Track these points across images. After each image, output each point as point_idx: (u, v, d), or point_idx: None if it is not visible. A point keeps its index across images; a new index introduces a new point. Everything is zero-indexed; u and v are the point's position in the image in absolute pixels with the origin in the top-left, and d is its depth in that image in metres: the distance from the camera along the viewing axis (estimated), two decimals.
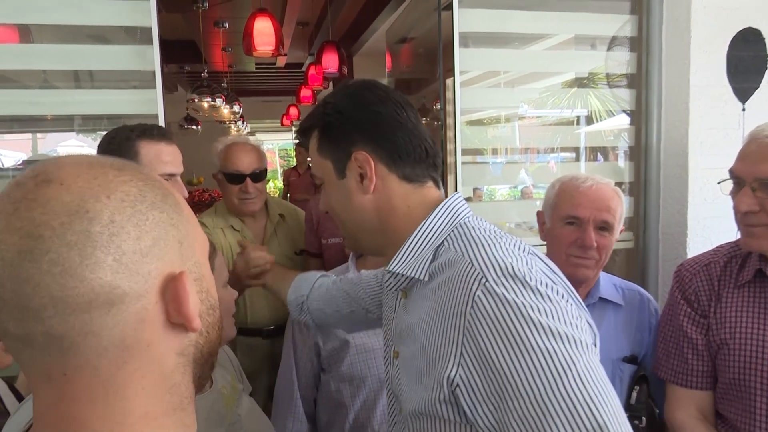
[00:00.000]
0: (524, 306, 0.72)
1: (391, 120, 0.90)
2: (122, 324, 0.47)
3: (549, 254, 1.46)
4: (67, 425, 0.48)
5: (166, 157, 1.42)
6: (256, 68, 7.40)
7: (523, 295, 0.73)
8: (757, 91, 2.03)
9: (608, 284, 1.49)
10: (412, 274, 0.88)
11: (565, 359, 0.68)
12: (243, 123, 8.01)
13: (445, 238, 0.87)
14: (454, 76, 1.96)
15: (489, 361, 0.72)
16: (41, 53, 1.78)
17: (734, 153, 2.02)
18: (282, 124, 10.29)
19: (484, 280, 0.76)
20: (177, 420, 0.53)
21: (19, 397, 1.20)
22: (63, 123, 2.05)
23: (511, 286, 0.74)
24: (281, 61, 6.97)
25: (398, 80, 5.49)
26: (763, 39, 2.01)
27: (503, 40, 2.15)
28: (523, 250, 0.83)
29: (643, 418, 1.39)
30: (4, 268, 0.44)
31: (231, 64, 6.88)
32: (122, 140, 1.40)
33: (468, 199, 2.68)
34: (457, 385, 0.75)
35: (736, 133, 2.03)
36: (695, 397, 1.36)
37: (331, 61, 4.40)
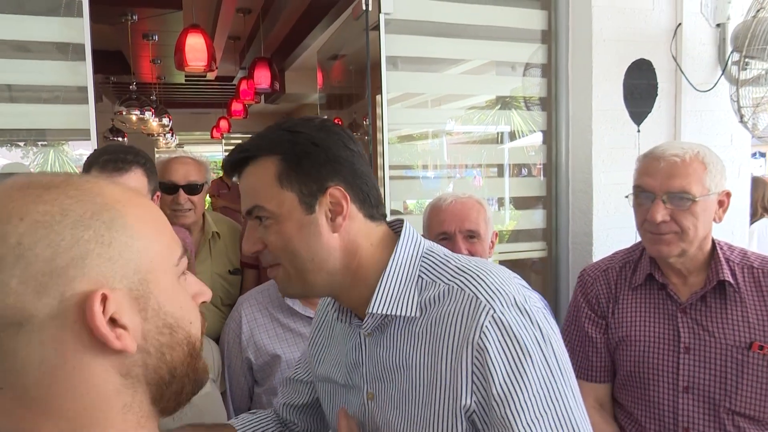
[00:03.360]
0: (527, 336, 0.80)
1: (361, 161, 0.90)
2: (36, 345, 0.47)
3: None
4: None
5: None
6: (186, 80, 7.29)
7: (525, 326, 0.81)
8: (649, 114, 2.28)
9: None
10: (401, 313, 0.86)
11: (560, 391, 0.79)
12: (172, 135, 7.84)
13: (421, 271, 0.88)
14: (380, 95, 2.08)
15: (496, 388, 0.78)
16: None
17: (632, 170, 2.26)
18: (212, 137, 10.13)
19: (491, 311, 0.80)
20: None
21: None
22: None
23: (515, 316, 0.81)
24: (211, 74, 6.91)
25: (330, 96, 5.59)
26: (654, 69, 2.26)
27: (428, 62, 2.30)
28: (513, 278, 0.88)
29: None
30: None
31: (160, 76, 6.76)
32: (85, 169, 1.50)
33: (398, 212, 2.81)
34: (474, 411, 0.80)
35: (632, 151, 2.26)
36: (594, 389, 1.53)
37: (263, 77, 4.44)
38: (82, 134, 1.77)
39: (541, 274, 2.46)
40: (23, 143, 1.97)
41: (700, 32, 2.29)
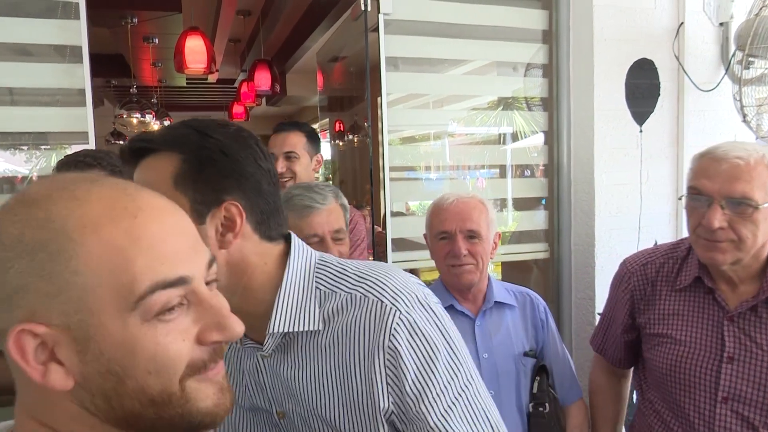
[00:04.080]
0: (433, 332, 0.83)
1: (269, 179, 0.85)
2: None
3: (437, 269, 1.62)
4: None
5: None
6: (187, 83, 7.30)
7: (429, 321, 0.84)
8: (652, 114, 2.26)
9: (501, 289, 1.64)
10: (304, 328, 0.84)
11: (466, 378, 0.84)
12: None
13: (317, 282, 0.87)
14: (380, 96, 2.07)
15: (409, 385, 0.81)
16: None
17: (634, 170, 2.26)
18: None
19: (398, 312, 0.81)
20: None
21: None
22: None
23: (420, 313, 0.83)
24: (212, 77, 6.92)
25: (330, 98, 5.59)
26: (656, 68, 2.24)
27: (429, 62, 2.28)
28: (410, 277, 0.89)
29: (547, 405, 1.54)
30: None
31: (161, 79, 6.76)
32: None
33: (400, 214, 2.80)
34: (392, 412, 0.82)
35: (635, 152, 2.25)
36: (612, 366, 1.60)
37: (263, 79, 4.44)
38: (81, 137, 1.76)
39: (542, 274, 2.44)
40: (26, 147, 1.96)
41: (703, 31, 2.27)
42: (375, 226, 2.60)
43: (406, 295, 0.84)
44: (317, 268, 0.88)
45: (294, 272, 0.86)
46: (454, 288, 1.58)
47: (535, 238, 2.38)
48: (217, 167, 0.80)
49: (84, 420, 0.51)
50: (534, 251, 2.38)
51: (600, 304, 2.08)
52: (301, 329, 0.84)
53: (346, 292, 0.85)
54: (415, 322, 0.82)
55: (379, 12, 2.01)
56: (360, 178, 5.31)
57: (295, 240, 0.90)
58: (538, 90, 2.34)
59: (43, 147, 2.04)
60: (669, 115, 2.28)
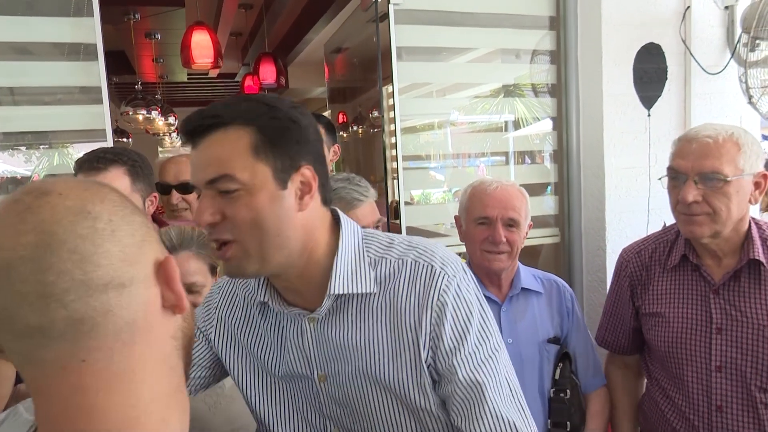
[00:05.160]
0: (472, 297, 0.93)
1: (323, 147, 0.93)
2: (133, 305, 0.52)
3: (468, 252, 1.63)
4: (87, 415, 0.51)
5: None
6: (189, 79, 7.29)
7: (470, 289, 0.94)
8: (659, 98, 2.28)
9: (528, 275, 1.65)
10: (361, 290, 0.91)
11: (493, 344, 0.94)
12: (177, 135, 7.86)
13: (366, 250, 0.94)
14: (392, 85, 2.09)
15: (446, 341, 0.90)
16: None
17: (643, 154, 2.28)
18: None
19: (446, 276, 0.91)
20: (178, 400, 0.58)
21: None
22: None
23: (462, 280, 0.93)
24: (213, 72, 6.92)
25: (334, 89, 5.60)
26: (663, 53, 2.26)
27: (434, 51, 2.30)
28: (443, 247, 0.97)
29: (568, 391, 1.57)
30: (24, 264, 0.48)
31: (162, 75, 6.76)
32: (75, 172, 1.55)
33: (407, 203, 2.82)
34: (429, 364, 0.91)
35: (643, 136, 2.27)
36: (621, 357, 1.65)
37: (268, 73, 4.45)
38: (99, 134, 1.78)
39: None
40: (43, 146, 1.99)
41: (709, 14, 2.28)
42: (385, 217, 2.63)
43: (451, 262, 0.93)
44: (364, 238, 0.96)
45: (347, 237, 0.93)
46: (484, 273, 1.59)
47: (544, 223, 2.41)
48: (290, 135, 0.86)
49: (170, 358, 0.58)
50: (544, 236, 2.40)
51: None
52: (356, 291, 0.91)
53: (396, 257, 0.93)
54: (459, 287, 0.92)
55: (388, 2, 2.03)
56: (365, 169, 5.32)
57: (338, 211, 0.96)
58: (546, 76, 2.36)
59: (59, 145, 2.07)
60: (676, 98, 2.29)
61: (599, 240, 2.26)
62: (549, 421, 1.56)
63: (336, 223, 0.95)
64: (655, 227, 2.11)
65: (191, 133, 0.86)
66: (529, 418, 0.93)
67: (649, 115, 2.27)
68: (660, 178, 1.49)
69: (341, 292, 0.90)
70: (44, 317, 0.49)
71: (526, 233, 1.60)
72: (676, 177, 1.40)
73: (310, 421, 0.98)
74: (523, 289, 1.61)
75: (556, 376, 1.58)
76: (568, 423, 1.55)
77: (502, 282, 1.60)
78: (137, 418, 0.53)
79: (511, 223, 1.54)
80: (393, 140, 2.11)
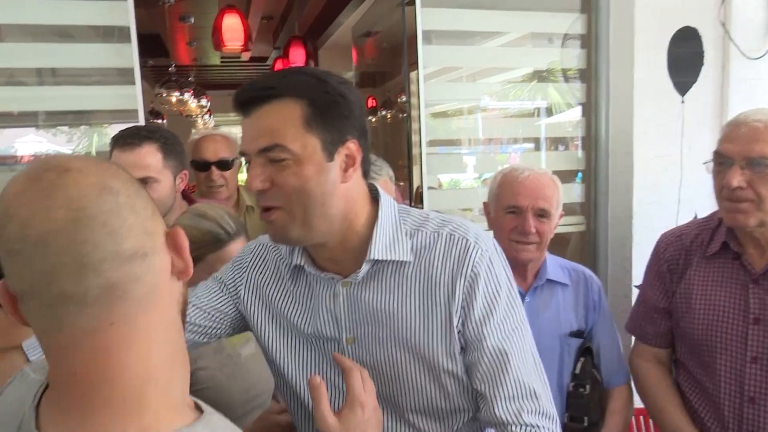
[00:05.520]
0: (501, 272, 0.99)
1: (366, 122, 0.96)
2: (153, 272, 0.57)
3: (495, 241, 1.60)
4: (110, 374, 0.55)
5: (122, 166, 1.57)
6: (221, 62, 7.38)
7: (501, 263, 1.00)
8: (694, 84, 2.22)
9: (555, 266, 1.61)
10: (398, 258, 0.96)
11: (519, 318, 1.00)
12: (209, 116, 7.98)
13: (402, 223, 0.99)
14: (417, 70, 2.08)
15: (477, 310, 0.95)
16: (23, 52, 1.83)
17: (675, 142, 2.23)
18: None
19: (479, 249, 0.97)
20: (185, 358, 0.63)
21: None
22: (28, 119, 2.10)
23: (495, 254, 1.00)
24: (246, 55, 6.98)
25: (363, 73, 5.58)
26: (700, 37, 2.19)
27: (463, 36, 2.28)
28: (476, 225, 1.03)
29: (588, 386, 1.54)
30: (60, 237, 0.52)
31: (195, 58, 6.86)
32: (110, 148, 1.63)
33: (430, 188, 2.82)
34: (459, 331, 0.97)
35: (676, 123, 2.21)
36: (652, 350, 1.56)
37: (298, 56, 4.47)
38: (131, 115, 1.83)
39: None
40: (78, 126, 2.05)
41: None
42: (408, 202, 2.63)
43: (484, 238, 1.00)
44: (399, 212, 1.01)
45: (386, 209, 0.99)
46: (510, 262, 1.53)
47: (570, 211, 2.37)
48: (339, 110, 0.91)
49: (177, 322, 0.64)
50: (569, 224, 2.37)
51: (636, 278, 2.08)
52: (394, 258, 0.96)
53: (432, 230, 0.98)
54: (491, 260, 0.98)
55: None
56: (393, 154, 5.32)
57: (375, 184, 1.01)
58: (576, 61, 2.31)
59: (93, 125, 2.13)
60: (713, 84, 2.23)
61: (626, 230, 2.23)
62: (566, 414, 1.54)
63: (373, 196, 1.00)
64: (686, 218, 2.06)
65: (245, 103, 0.90)
66: (548, 390, 0.99)
67: (683, 102, 2.21)
68: (705, 163, 1.43)
69: (380, 258, 0.95)
70: (80, 285, 0.53)
71: (557, 223, 1.56)
72: (722, 162, 1.35)
73: (334, 382, 1.01)
74: (548, 280, 1.58)
75: (577, 370, 1.55)
76: (586, 418, 1.52)
77: (528, 272, 1.57)
78: (149, 380, 0.57)
79: (542, 214, 1.50)
80: (416, 125, 2.11)
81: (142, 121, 1.86)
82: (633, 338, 1.64)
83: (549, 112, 2.46)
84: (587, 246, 2.35)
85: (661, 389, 1.53)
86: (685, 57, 2.19)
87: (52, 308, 0.54)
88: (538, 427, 0.95)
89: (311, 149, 0.88)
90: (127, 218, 0.55)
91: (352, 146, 0.92)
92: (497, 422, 0.95)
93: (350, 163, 0.92)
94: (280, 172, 0.88)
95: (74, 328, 0.54)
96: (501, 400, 0.95)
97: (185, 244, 0.61)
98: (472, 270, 0.95)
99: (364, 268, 0.96)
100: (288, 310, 1.04)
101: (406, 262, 0.97)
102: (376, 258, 0.95)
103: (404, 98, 3.78)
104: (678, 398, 1.51)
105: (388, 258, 0.96)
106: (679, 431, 1.46)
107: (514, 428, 0.94)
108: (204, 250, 1.27)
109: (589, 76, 2.29)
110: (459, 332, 0.96)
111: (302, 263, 1.00)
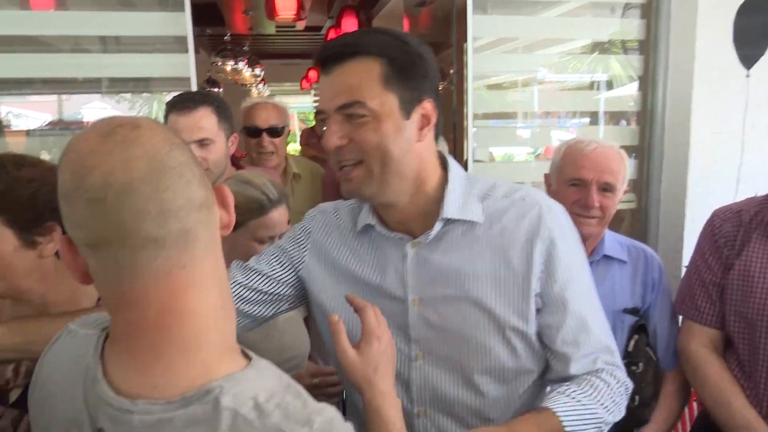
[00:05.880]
0: (575, 236, 1.04)
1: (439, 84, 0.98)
2: (214, 222, 0.64)
3: None
4: (180, 317, 0.60)
5: (179, 128, 1.63)
6: (276, 31, 7.43)
7: (572, 228, 1.04)
8: (762, 57, 2.09)
9: (613, 242, 1.57)
10: (470, 218, 0.98)
11: (591, 283, 1.06)
12: (264, 86, 8.09)
13: (471, 187, 1.01)
14: (467, 41, 2.05)
15: (560, 273, 0.98)
16: (82, 20, 1.92)
17: (737, 118, 2.11)
18: (301, 87, 10.32)
19: (555, 215, 1.00)
20: (233, 307, 0.69)
21: None
22: (92, 85, 2.20)
23: (567, 219, 1.04)
24: (300, 25, 6.99)
25: None
26: None
27: (521, 5, 2.21)
28: None
29: (640, 364, 1.51)
30: (145, 185, 0.57)
31: (251, 27, 6.92)
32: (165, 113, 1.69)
33: (481, 162, 2.79)
34: (537, 293, 0.99)
35: (739, 98, 2.10)
36: (707, 332, 1.46)
37: (350, 26, 4.45)
38: (184, 83, 1.89)
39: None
40: (142, 94, 2.13)
41: None
42: None
43: (555, 204, 1.03)
44: (468, 177, 1.04)
45: (455, 172, 1.01)
46: None
47: None
48: (417, 69, 0.93)
49: None
50: (620, 200, 2.30)
51: (688, 258, 2.01)
52: (466, 218, 0.98)
53: (502, 195, 1.01)
54: (563, 226, 1.02)
55: None
56: (445, 127, 5.27)
57: (443, 151, 1.03)
58: (635, 32, 2.22)
59: (152, 92, 2.21)
60: None
61: (679, 208, 2.15)
62: None
63: (441, 163, 1.02)
64: (744, 197, 1.97)
65: (327, 59, 0.92)
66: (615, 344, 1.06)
67: (747, 76, 2.09)
68: None
69: (453, 217, 0.97)
70: (162, 229, 0.58)
71: (621, 199, 1.51)
72: None
73: (396, 344, 0.99)
74: (604, 255, 1.55)
75: (629, 348, 1.52)
76: (637, 397, 1.48)
77: (585, 247, 1.50)
78: (209, 322, 0.62)
79: (607, 188, 1.47)
80: (464, 98, 2.09)
81: (194, 89, 1.92)
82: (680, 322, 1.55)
83: (609, 85, 2.37)
84: (637, 224, 2.29)
85: (726, 381, 1.42)
86: (753, 29, 2.06)
87: (133, 251, 0.58)
88: (615, 366, 1.03)
89: (389, 107, 0.91)
90: (195, 171, 0.62)
91: (428, 106, 0.94)
92: (573, 377, 1.00)
93: (425, 122, 0.94)
94: (358, 129, 0.91)
95: (150, 271, 0.59)
96: (580, 358, 1.00)
97: (232, 200, 0.67)
98: (549, 234, 0.97)
99: (437, 226, 0.97)
100: (354, 267, 1.05)
101: (476, 223, 0.98)
102: (448, 217, 0.97)
103: (453, 70, 3.73)
104: (743, 392, 1.41)
105: (461, 217, 0.98)
106: (751, 427, 1.36)
107: (589, 375, 1.00)
108: (247, 215, 1.31)
109: (647, 47, 2.20)
110: (536, 294, 0.98)
111: (372, 222, 1.02)
